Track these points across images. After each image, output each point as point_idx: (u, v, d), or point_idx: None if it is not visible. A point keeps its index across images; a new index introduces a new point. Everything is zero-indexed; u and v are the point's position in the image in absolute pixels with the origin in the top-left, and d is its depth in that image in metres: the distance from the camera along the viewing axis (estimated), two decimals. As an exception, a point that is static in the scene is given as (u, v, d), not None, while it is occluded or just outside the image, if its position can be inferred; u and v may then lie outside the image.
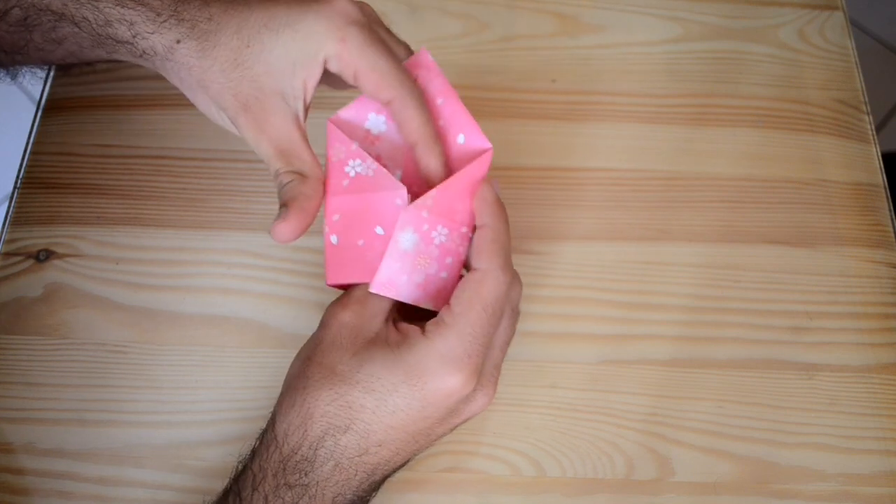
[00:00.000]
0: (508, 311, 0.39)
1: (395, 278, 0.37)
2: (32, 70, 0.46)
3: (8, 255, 0.48)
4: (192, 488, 0.43)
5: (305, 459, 0.36)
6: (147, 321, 0.47)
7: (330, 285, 0.39)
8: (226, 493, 0.37)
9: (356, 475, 0.36)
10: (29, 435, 0.44)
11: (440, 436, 0.38)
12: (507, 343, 0.39)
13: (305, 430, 0.36)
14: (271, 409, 0.45)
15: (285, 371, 0.46)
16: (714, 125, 0.55)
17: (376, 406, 0.35)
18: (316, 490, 0.36)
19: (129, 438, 0.44)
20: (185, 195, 0.51)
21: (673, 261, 0.50)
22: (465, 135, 0.39)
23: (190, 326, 0.47)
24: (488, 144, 0.39)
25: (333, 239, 0.38)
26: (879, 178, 0.54)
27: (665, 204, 0.52)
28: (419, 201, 0.36)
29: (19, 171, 0.51)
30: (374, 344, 0.37)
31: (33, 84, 0.49)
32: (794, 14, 0.60)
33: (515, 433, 0.45)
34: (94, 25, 0.39)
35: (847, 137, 0.55)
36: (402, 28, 0.58)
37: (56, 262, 0.48)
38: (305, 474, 0.36)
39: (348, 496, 0.37)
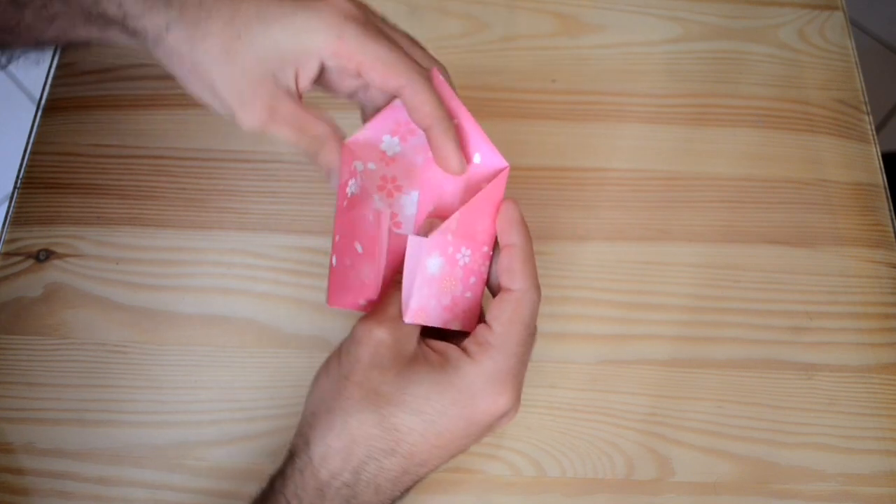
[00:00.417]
0: (534, 330, 0.39)
1: (426, 304, 0.37)
2: (26, 54, 0.45)
3: (8, 255, 0.48)
4: (192, 488, 0.43)
5: (346, 485, 0.35)
6: (147, 321, 0.47)
7: (331, 307, 0.38)
8: None
9: (392, 492, 0.36)
10: (29, 435, 0.44)
11: (470, 446, 0.38)
12: (528, 360, 0.39)
13: (348, 455, 0.35)
14: (272, 411, 0.45)
15: (285, 371, 0.46)
16: (714, 125, 0.55)
17: (424, 428, 0.35)
18: None
19: (129, 438, 0.44)
20: (184, 195, 0.51)
21: (673, 261, 0.50)
22: (482, 154, 0.39)
23: (189, 326, 0.47)
24: (505, 163, 0.39)
25: (333, 260, 0.38)
26: (879, 178, 0.54)
27: (665, 204, 0.52)
28: (444, 226, 0.36)
29: (19, 171, 0.51)
30: (416, 364, 0.36)
31: (33, 84, 0.49)
32: (794, 14, 0.60)
33: (515, 433, 0.45)
34: (84, 3, 0.38)
35: (847, 137, 0.55)
36: (403, 28, 0.58)
37: (56, 262, 0.48)
38: (347, 500, 0.35)
39: None
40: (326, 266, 0.48)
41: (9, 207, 0.50)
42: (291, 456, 0.36)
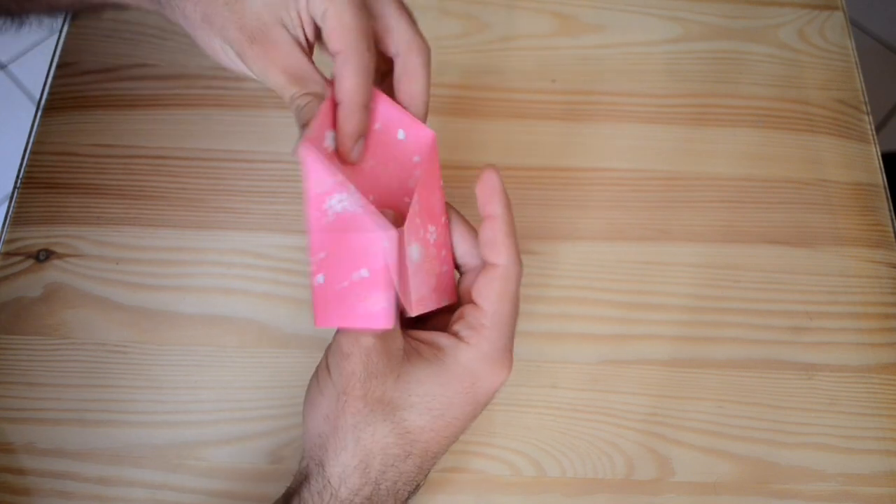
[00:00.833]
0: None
1: (422, 292, 0.36)
2: (39, 18, 0.45)
3: (8, 255, 0.48)
4: (192, 488, 0.43)
5: (367, 499, 0.35)
6: (147, 321, 0.47)
7: (319, 327, 0.37)
8: None
9: (407, 492, 0.36)
10: (29, 435, 0.44)
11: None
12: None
13: (366, 469, 0.35)
14: (272, 411, 0.45)
15: (286, 371, 0.46)
16: (714, 125, 0.55)
17: (434, 423, 0.35)
18: None
19: (129, 438, 0.44)
20: (185, 195, 0.51)
21: (673, 261, 0.50)
22: (405, 129, 0.38)
23: (190, 326, 0.47)
24: (429, 131, 0.38)
25: (320, 279, 0.35)
26: (879, 178, 0.54)
27: (665, 204, 0.52)
28: (411, 211, 0.36)
29: (19, 171, 0.51)
30: (410, 362, 0.36)
31: (33, 84, 0.49)
32: (794, 14, 0.60)
33: (515, 433, 0.45)
34: None
35: (847, 137, 0.55)
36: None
37: (56, 262, 0.48)
38: None
39: None
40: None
41: (9, 207, 0.50)
42: (306, 478, 0.36)
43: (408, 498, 0.37)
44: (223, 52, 0.39)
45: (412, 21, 0.39)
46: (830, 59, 0.58)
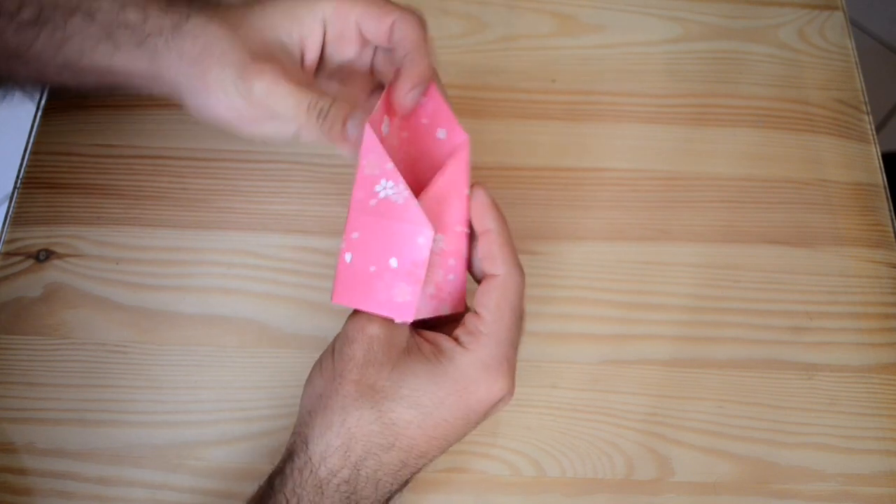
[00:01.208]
0: (522, 312, 0.39)
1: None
2: (23, 89, 0.46)
3: (8, 255, 0.48)
4: (192, 488, 0.43)
5: (346, 482, 0.35)
6: (147, 321, 0.47)
7: (335, 303, 0.37)
8: None
9: (391, 486, 0.36)
10: (29, 435, 0.44)
11: (468, 433, 0.38)
12: (519, 342, 0.40)
13: (347, 452, 0.35)
14: (272, 411, 0.45)
15: (286, 371, 0.46)
16: (714, 125, 0.55)
17: (421, 420, 0.35)
18: None
19: (129, 438, 0.44)
20: (185, 195, 0.51)
21: (673, 261, 0.50)
22: (444, 128, 0.39)
23: (190, 326, 0.47)
24: (464, 135, 0.38)
25: (347, 257, 0.36)
26: (879, 178, 0.54)
27: (665, 204, 0.52)
28: None
29: (19, 171, 0.51)
30: (409, 356, 0.36)
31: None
32: (794, 14, 0.60)
33: (515, 433, 0.45)
34: (108, 13, 0.40)
35: (847, 137, 0.55)
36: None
37: (56, 262, 0.48)
38: (347, 497, 0.35)
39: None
40: (327, 266, 0.49)
41: (9, 207, 0.50)
42: (290, 455, 0.36)
43: (394, 492, 0.37)
44: (219, 87, 0.39)
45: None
46: (830, 59, 0.58)
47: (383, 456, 0.35)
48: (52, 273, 0.48)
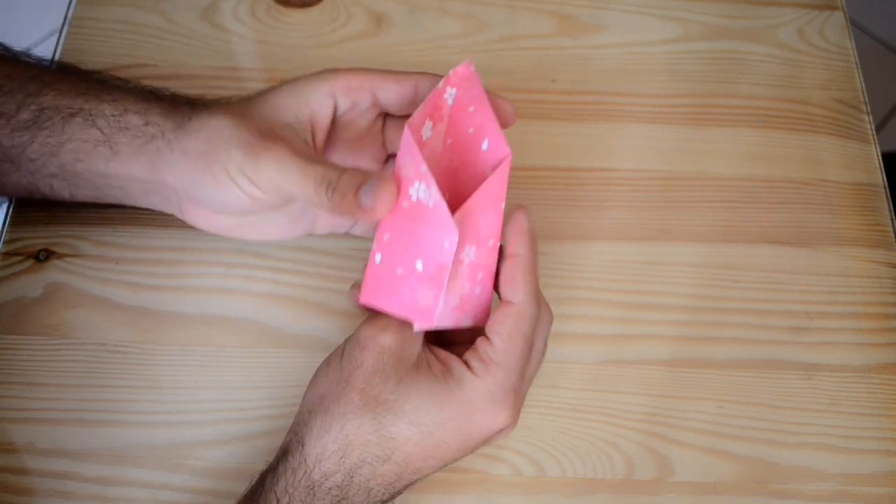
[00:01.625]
0: (540, 345, 0.39)
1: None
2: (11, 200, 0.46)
3: (8, 255, 0.48)
4: (192, 488, 0.43)
5: (338, 486, 0.35)
6: (147, 321, 0.47)
7: (362, 303, 0.37)
8: None
9: (383, 495, 0.37)
10: (29, 435, 0.44)
11: (465, 457, 0.38)
12: (535, 375, 0.39)
13: (342, 458, 0.35)
14: (271, 411, 0.45)
15: (285, 371, 0.46)
16: (714, 125, 0.55)
17: (420, 438, 0.35)
18: None
19: (129, 438, 0.44)
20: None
21: (673, 261, 0.50)
22: (489, 140, 0.38)
23: (190, 326, 0.47)
24: (507, 150, 0.38)
25: (378, 258, 0.36)
26: (879, 178, 0.54)
27: (665, 204, 0.52)
28: None
29: (19, 171, 0.51)
30: (417, 372, 0.36)
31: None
32: (794, 14, 0.60)
33: (515, 433, 0.45)
34: (110, 117, 0.39)
35: (847, 137, 0.55)
36: (402, 28, 0.58)
37: (56, 262, 0.48)
38: (338, 501, 0.35)
39: None
40: (327, 267, 0.49)
41: (9, 207, 0.50)
42: (284, 454, 0.36)
43: (386, 500, 0.37)
44: (225, 174, 0.37)
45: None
46: (830, 59, 0.58)
47: (378, 467, 0.35)
48: (52, 273, 0.48)
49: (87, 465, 0.43)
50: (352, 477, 0.35)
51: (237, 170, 0.37)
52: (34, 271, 0.48)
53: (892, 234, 0.52)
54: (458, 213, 0.35)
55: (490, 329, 0.36)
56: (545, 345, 0.40)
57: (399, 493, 0.38)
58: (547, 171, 0.53)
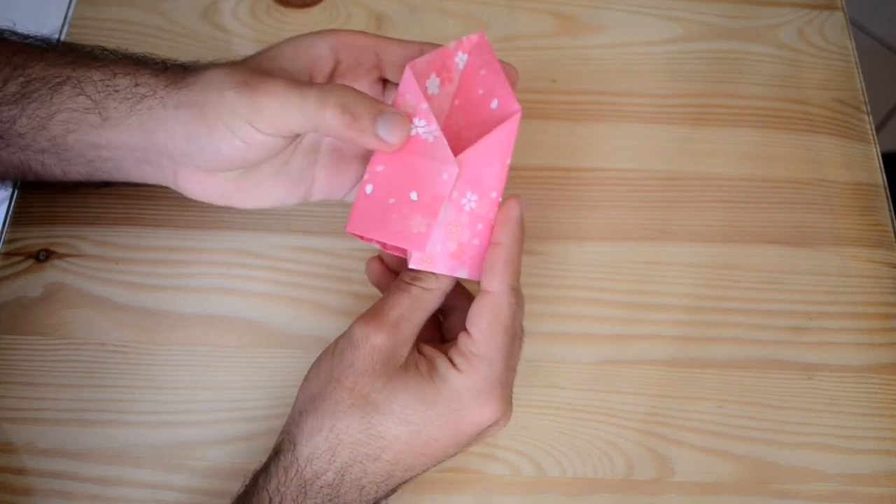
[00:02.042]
0: (518, 332, 0.39)
1: (431, 249, 0.36)
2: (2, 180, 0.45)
3: (8, 255, 0.48)
4: (192, 488, 0.43)
5: (329, 485, 0.35)
6: (147, 321, 0.47)
7: (349, 232, 0.37)
8: None
9: (376, 493, 0.37)
10: (29, 435, 0.44)
11: (459, 453, 0.38)
12: (517, 363, 0.39)
13: (333, 456, 0.35)
14: (271, 411, 0.45)
15: (285, 371, 0.46)
16: (714, 125, 0.55)
17: (410, 437, 0.35)
18: None
19: (129, 438, 0.44)
20: (185, 195, 0.50)
21: (673, 261, 0.50)
22: (499, 99, 0.38)
23: (190, 326, 0.47)
24: (517, 107, 0.37)
25: (368, 189, 0.36)
26: (879, 178, 0.54)
27: (665, 204, 0.52)
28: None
29: (19, 171, 0.51)
30: (406, 372, 0.36)
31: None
32: (794, 14, 0.60)
33: (515, 433, 0.45)
34: (98, 83, 0.39)
35: (847, 137, 0.55)
36: (402, 28, 0.58)
37: (56, 262, 0.48)
38: (330, 500, 0.35)
39: None
40: (327, 267, 0.49)
41: (9, 207, 0.50)
42: (276, 454, 0.37)
43: (380, 498, 0.37)
44: (219, 120, 0.36)
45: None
46: (830, 59, 0.58)
47: (369, 465, 0.35)
48: (52, 273, 0.48)
49: (87, 465, 0.43)
50: (343, 475, 0.35)
51: (230, 111, 0.36)
52: (34, 271, 0.48)
53: (892, 234, 0.52)
54: (462, 154, 0.36)
55: (470, 322, 0.36)
56: (523, 330, 0.39)
57: (393, 490, 0.38)
58: (547, 171, 0.53)
